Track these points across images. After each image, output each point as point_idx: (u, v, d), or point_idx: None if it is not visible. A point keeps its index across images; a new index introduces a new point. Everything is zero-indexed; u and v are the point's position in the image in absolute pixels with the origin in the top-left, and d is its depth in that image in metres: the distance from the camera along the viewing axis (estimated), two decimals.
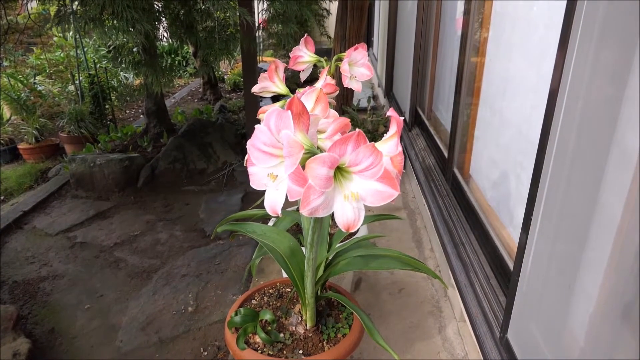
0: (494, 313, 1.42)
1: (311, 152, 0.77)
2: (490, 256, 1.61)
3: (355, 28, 3.32)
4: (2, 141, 4.26)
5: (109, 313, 2.07)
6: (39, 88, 5.00)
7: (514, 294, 1.21)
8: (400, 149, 0.80)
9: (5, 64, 5.28)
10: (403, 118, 0.82)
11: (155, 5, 3.02)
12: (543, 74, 1.33)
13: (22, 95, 4.60)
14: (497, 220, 1.68)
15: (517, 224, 1.43)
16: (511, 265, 1.39)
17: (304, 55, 1.42)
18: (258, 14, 3.49)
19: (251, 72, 3.65)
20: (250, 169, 0.81)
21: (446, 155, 2.31)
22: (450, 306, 1.91)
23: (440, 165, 2.48)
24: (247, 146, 0.80)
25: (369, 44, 7.99)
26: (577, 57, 0.93)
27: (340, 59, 1.42)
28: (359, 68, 1.39)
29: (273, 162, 0.79)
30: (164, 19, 3.20)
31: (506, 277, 1.44)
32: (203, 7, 3.14)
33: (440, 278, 1.28)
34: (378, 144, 0.80)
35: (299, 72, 1.44)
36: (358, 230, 1.74)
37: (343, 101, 3.59)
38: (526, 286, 1.15)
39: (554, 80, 1.04)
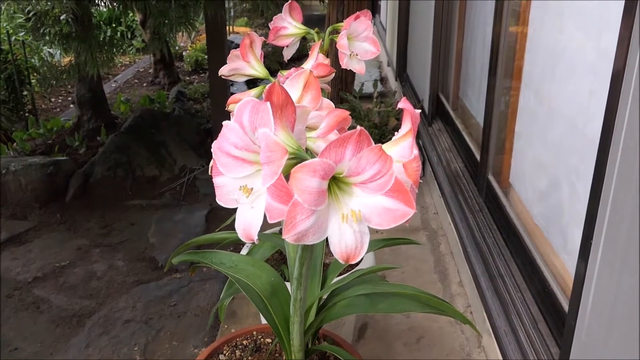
0: None
1: (298, 157, 0.76)
2: (538, 293, 1.61)
3: None
4: None
5: None
6: None
7: (570, 344, 1.21)
8: (416, 152, 0.80)
9: None
10: (420, 109, 0.82)
11: None
12: (604, 49, 1.34)
13: None
14: (546, 244, 1.68)
15: (572, 249, 1.44)
16: (566, 306, 1.39)
17: (289, 26, 1.42)
18: None
19: (218, 48, 3.65)
20: (216, 180, 0.81)
21: (478, 157, 2.32)
22: None
23: (471, 170, 2.48)
24: (212, 149, 0.80)
25: (375, 10, 8.05)
26: None
27: (336, 31, 1.43)
28: (362, 43, 1.39)
29: (247, 171, 0.78)
30: None
31: (559, 321, 1.44)
32: None
33: (471, 323, 1.27)
34: (387, 146, 0.80)
35: (282, 48, 1.44)
36: (361, 260, 1.73)
37: (341, 86, 3.59)
38: (586, 334, 1.15)
39: (618, 57, 1.04)
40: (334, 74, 1.20)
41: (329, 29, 1.49)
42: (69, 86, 5.91)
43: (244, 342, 1.42)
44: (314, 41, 1.39)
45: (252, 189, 0.77)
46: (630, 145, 0.99)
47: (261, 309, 1.23)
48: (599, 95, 1.27)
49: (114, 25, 7.33)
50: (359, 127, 0.71)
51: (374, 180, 0.73)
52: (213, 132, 4.16)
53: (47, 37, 3.27)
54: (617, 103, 1.03)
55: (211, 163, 0.82)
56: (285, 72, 1.06)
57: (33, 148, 4.15)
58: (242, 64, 1.25)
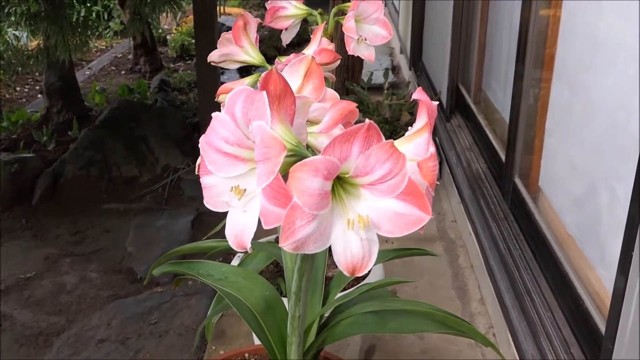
0: None
1: (297, 154, 0.76)
2: (571, 312, 1.61)
3: None
4: None
5: None
6: None
7: None
8: (432, 149, 0.80)
9: None
10: (437, 101, 0.82)
11: None
12: None
13: None
14: (580, 256, 1.68)
15: (610, 263, 1.44)
16: (603, 327, 1.39)
17: (288, 6, 1.43)
18: None
19: (207, 31, 3.65)
20: (204, 180, 0.81)
21: (503, 157, 2.31)
22: None
23: (495, 172, 2.48)
24: (200, 145, 0.80)
25: None
26: None
27: (342, 12, 1.43)
28: (371, 26, 1.39)
29: (239, 170, 0.78)
30: None
31: (595, 345, 1.44)
32: None
33: (494, 346, 1.27)
34: (399, 142, 0.80)
35: (280, 31, 1.45)
36: (369, 272, 1.73)
37: (347, 75, 3.60)
38: (626, 358, 1.15)
39: None
40: (339, 61, 1.20)
41: (334, 10, 1.49)
42: (37, 73, 5.91)
43: None
44: (317, 24, 1.39)
45: (245, 190, 0.77)
46: None
47: (254, 327, 1.23)
48: None
49: (88, 4, 7.33)
50: (368, 120, 0.71)
51: (385, 181, 0.73)
52: (200, 126, 4.16)
53: (13, 17, 3.28)
54: None
55: (198, 161, 0.82)
56: (283, 59, 1.07)
57: None
58: (235, 48, 1.25)
